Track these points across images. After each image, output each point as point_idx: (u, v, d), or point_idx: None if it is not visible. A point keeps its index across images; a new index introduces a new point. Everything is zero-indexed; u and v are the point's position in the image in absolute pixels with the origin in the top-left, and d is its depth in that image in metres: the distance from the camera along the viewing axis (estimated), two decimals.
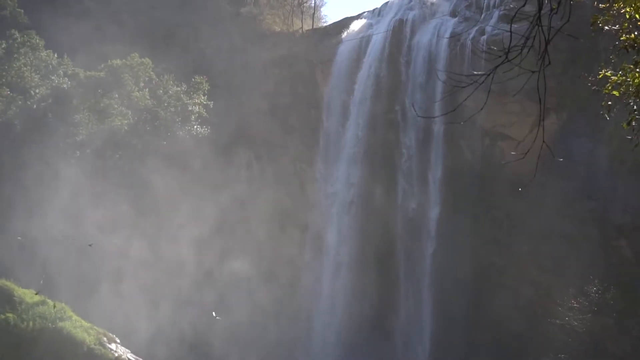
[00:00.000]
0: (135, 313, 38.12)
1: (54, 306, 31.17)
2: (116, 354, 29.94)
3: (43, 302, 31.69)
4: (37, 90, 45.35)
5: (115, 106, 46.33)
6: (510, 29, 7.86)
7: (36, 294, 31.58)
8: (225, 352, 42.69)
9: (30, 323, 29.36)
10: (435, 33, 48.22)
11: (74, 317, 31.21)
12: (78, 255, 39.29)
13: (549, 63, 7.67)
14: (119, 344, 31.05)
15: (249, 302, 45.18)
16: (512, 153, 39.13)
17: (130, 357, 30.78)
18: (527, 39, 7.56)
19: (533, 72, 7.73)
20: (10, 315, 29.36)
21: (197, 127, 49.05)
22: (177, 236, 43.19)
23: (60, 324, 29.86)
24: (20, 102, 44.32)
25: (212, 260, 43.29)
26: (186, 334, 41.86)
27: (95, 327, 31.15)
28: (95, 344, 29.55)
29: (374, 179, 48.77)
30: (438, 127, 46.30)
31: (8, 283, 32.36)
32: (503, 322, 40.50)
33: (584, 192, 39.04)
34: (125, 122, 46.21)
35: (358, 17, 57.18)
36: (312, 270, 50.46)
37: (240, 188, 47.85)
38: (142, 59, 48.02)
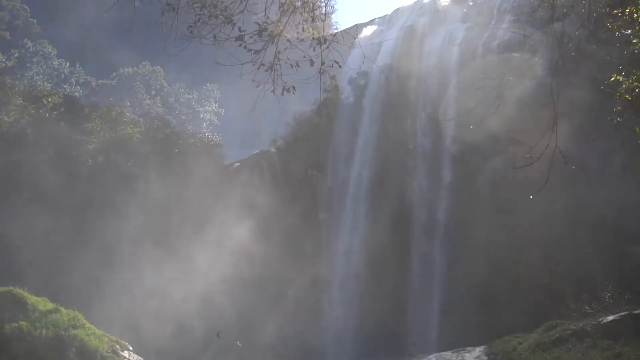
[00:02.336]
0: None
1: (67, 314, 31.47)
2: None
3: (56, 310, 31.77)
4: (49, 99, 45.84)
5: (127, 114, 46.78)
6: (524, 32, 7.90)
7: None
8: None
9: (44, 331, 29.35)
10: (446, 39, 48.49)
11: (87, 324, 31.25)
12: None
13: (564, 63, 7.72)
14: (131, 351, 31.21)
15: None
16: (527, 156, 38.98)
17: None
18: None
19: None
20: (23, 323, 29.35)
21: (208, 135, 49.43)
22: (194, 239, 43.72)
23: (74, 331, 29.85)
24: (32, 111, 44.81)
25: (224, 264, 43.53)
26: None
27: (108, 335, 31.28)
28: (108, 352, 29.57)
29: (385, 182, 49.06)
30: (449, 132, 46.57)
31: (21, 291, 32.38)
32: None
33: (597, 198, 38.86)
34: (137, 129, 46.57)
35: (369, 23, 57.64)
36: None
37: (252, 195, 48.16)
38: (154, 67, 48.51)
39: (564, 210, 38.68)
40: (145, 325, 38.08)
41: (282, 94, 11.73)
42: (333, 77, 54.26)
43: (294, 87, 11.61)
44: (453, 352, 25.34)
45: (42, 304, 32.33)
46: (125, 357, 30.27)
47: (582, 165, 38.40)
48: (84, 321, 31.59)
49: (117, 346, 30.77)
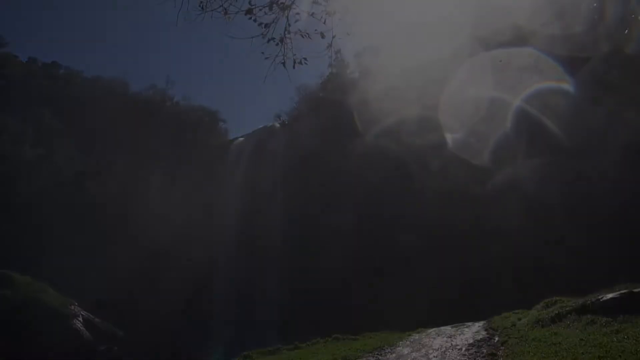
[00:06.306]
0: None
1: (37, 284, 49.69)
2: (73, 312, 48.32)
3: (32, 283, 49.88)
4: None
5: None
6: None
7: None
8: None
9: (19, 295, 47.54)
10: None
11: (50, 290, 49.05)
12: None
13: None
14: (76, 305, 49.26)
15: None
16: None
17: (83, 313, 49.20)
18: None
19: None
20: (7, 291, 47.26)
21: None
22: None
23: (39, 294, 47.97)
24: None
25: None
26: None
27: (62, 296, 49.35)
28: (60, 306, 47.64)
29: None
30: None
31: (10, 273, 50.54)
32: None
33: None
34: None
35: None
36: None
37: None
38: None
39: None
40: None
41: (294, 67, 11.35)
42: (338, 52, 59.00)
43: (305, 59, 11.41)
44: (452, 327, 24.53)
45: (24, 280, 50.56)
46: (71, 309, 48.63)
47: None
48: (48, 288, 49.59)
49: (67, 303, 49.07)
